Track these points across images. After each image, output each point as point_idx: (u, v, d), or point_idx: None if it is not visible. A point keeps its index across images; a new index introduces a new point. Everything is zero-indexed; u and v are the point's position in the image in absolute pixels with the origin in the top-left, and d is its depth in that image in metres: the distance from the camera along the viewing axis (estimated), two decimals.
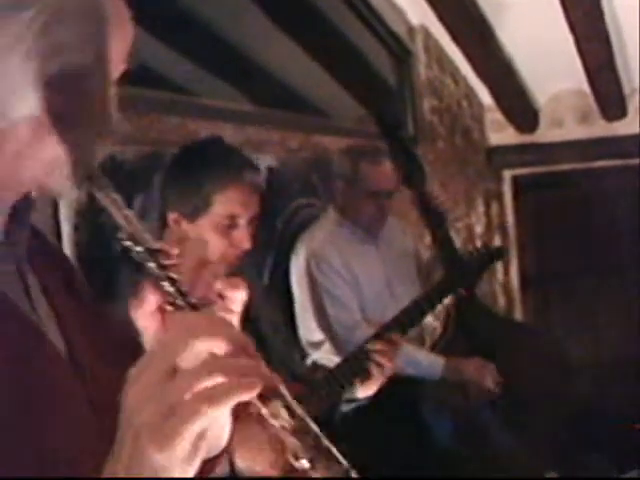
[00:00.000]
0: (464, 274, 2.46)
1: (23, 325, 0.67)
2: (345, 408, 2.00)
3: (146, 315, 0.68)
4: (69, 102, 0.65)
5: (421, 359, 2.45)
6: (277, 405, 0.57)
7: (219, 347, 0.57)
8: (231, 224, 1.62)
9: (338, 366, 2.01)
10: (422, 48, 3.84)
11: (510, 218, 5.08)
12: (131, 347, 0.89)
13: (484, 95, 4.64)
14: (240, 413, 0.57)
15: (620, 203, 4.44)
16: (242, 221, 1.64)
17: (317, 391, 1.89)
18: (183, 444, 0.53)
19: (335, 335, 2.32)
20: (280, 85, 2.75)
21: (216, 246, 1.59)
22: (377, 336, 2.01)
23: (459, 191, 4.27)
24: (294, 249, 2.42)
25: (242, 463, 1.14)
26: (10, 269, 0.69)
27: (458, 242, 2.78)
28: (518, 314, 5.02)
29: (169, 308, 0.66)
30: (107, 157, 1.02)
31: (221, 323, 0.62)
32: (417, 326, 2.26)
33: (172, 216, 1.64)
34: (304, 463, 0.56)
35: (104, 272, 1.61)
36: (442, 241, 2.57)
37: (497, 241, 4.99)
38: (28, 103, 0.62)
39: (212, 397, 0.53)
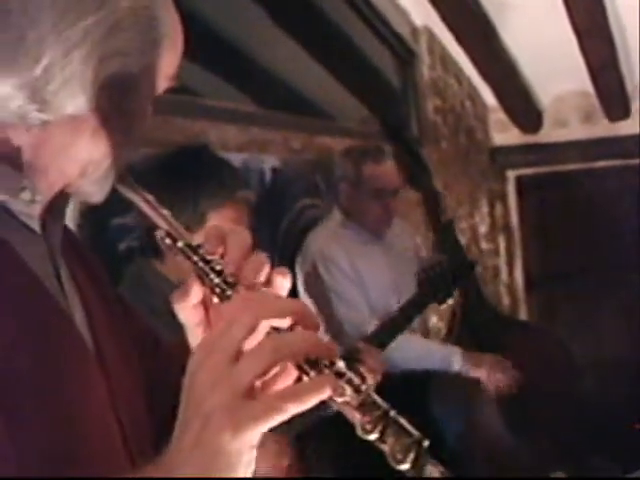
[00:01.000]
0: (439, 287, 2.44)
1: (50, 306, 0.69)
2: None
3: (189, 308, 0.69)
4: (116, 106, 0.67)
5: (436, 350, 2.45)
6: (342, 382, 0.58)
7: (282, 322, 0.59)
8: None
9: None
10: (426, 49, 3.84)
11: (514, 218, 5.08)
12: (151, 346, 0.90)
13: (488, 95, 4.65)
14: None
15: (624, 203, 4.44)
16: None
17: None
18: (258, 431, 0.54)
19: (339, 334, 2.33)
20: (284, 86, 2.75)
21: None
22: (355, 351, 2.03)
23: (463, 191, 4.27)
24: (300, 250, 2.43)
25: None
26: (44, 255, 0.71)
27: (463, 242, 2.76)
28: (522, 314, 5.02)
29: (215, 300, 0.67)
30: None
31: (278, 299, 0.64)
32: (393, 340, 2.24)
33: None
34: (374, 436, 0.56)
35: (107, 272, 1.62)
36: (448, 241, 2.57)
37: (501, 241, 4.99)
38: (75, 101, 0.64)
39: (297, 396, 0.55)
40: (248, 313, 0.58)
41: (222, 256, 0.68)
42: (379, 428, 0.56)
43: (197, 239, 0.71)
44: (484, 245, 4.67)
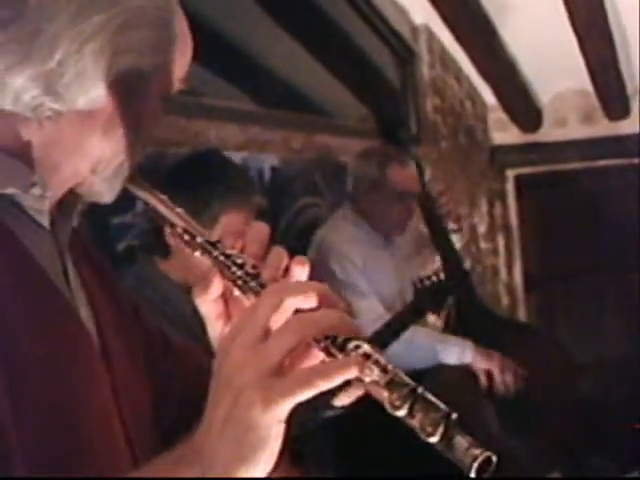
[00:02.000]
0: (435, 297, 2.42)
1: (57, 301, 0.69)
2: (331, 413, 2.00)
3: (210, 302, 0.70)
4: (126, 103, 0.68)
5: (452, 343, 2.45)
6: (368, 363, 0.59)
7: (309, 302, 0.60)
8: (235, 239, 1.64)
9: None
10: (425, 48, 3.83)
11: (513, 217, 5.08)
12: (160, 347, 0.90)
13: (487, 94, 4.64)
14: None
15: (623, 202, 4.43)
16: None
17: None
18: (287, 405, 0.55)
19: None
20: (283, 85, 2.75)
21: None
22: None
23: (462, 190, 4.27)
24: (309, 247, 2.42)
25: None
26: (51, 250, 0.72)
27: (461, 242, 2.75)
28: (522, 314, 5.02)
29: (237, 293, 0.69)
30: None
31: (300, 282, 0.66)
32: (386, 348, 2.22)
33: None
34: (403, 412, 0.57)
35: None
36: (442, 247, 2.56)
37: (500, 240, 4.99)
38: (87, 95, 0.65)
39: (327, 373, 0.56)
40: (272, 293, 0.60)
41: (242, 250, 0.70)
42: (408, 404, 0.57)
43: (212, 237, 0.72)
44: (483, 244, 4.67)
